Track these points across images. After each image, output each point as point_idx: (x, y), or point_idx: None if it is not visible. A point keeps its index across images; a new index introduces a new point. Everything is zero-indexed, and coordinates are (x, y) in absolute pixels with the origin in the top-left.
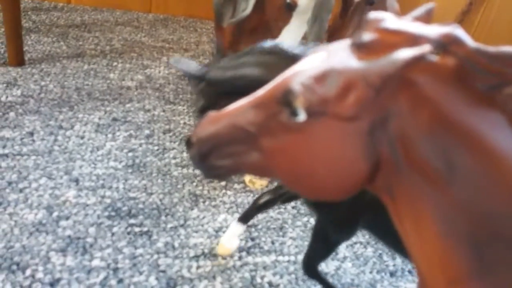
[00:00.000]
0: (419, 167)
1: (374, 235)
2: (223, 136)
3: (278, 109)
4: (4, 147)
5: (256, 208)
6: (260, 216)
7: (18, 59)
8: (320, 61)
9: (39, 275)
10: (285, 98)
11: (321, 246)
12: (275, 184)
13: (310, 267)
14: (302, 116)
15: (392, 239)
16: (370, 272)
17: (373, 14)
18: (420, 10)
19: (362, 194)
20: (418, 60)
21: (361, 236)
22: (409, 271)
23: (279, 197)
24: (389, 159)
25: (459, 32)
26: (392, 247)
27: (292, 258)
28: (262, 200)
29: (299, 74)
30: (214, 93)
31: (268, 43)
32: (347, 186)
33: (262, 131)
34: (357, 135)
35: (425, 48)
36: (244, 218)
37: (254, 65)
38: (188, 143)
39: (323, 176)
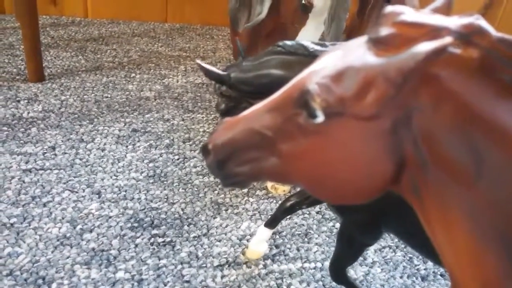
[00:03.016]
0: (445, 164)
1: (400, 238)
2: (240, 142)
3: (295, 111)
4: (27, 162)
5: (283, 211)
6: (284, 222)
7: (38, 75)
8: (336, 60)
9: None
10: (302, 99)
11: (347, 250)
12: (299, 188)
13: (337, 272)
14: (320, 118)
15: (418, 241)
16: (401, 277)
17: (390, 8)
18: (439, 1)
19: (386, 195)
20: (439, 53)
21: (390, 240)
22: (442, 275)
23: (306, 199)
24: (414, 157)
25: (481, 22)
26: (419, 250)
27: (319, 264)
28: (288, 203)
29: (315, 74)
30: (236, 94)
31: (290, 42)
32: (371, 189)
33: (280, 135)
34: (379, 134)
35: (447, 40)
36: (271, 223)
37: (276, 64)
38: (204, 150)
39: (345, 179)
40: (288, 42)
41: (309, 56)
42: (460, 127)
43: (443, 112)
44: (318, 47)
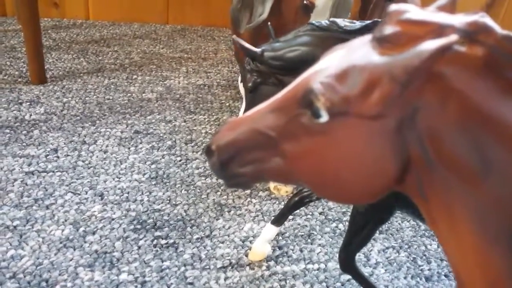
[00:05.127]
0: (451, 163)
1: (414, 217)
2: (243, 142)
3: (299, 111)
4: (29, 164)
5: (291, 206)
6: (287, 223)
7: (40, 77)
8: (340, 59)
9: None
10: (306, 99)
11: (360, 230)
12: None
13: (347, 259)
14: (324, 117)
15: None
16: (405, 278)
17: (395, 6)
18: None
19: None
20: (444, 51)
21: (393, 240)
22: (446, 275)
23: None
24: (419, 157)
25: (486, 19)
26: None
27: (322, 266)
28: (298, 197)
29: (319, 73)
30: (266, 69)
31: (323, 21)
32: (376, 189)
33: (284, 135)
34: (383, 134)
35: (452, 38)
36: (278, 220)
37: (305, 42)
38: (208, 151)
39: (350, 179)
40: (321, 21)
41: (340, 32)
42: (466, 125)
43: (448, 110)
44: (348, 23)
